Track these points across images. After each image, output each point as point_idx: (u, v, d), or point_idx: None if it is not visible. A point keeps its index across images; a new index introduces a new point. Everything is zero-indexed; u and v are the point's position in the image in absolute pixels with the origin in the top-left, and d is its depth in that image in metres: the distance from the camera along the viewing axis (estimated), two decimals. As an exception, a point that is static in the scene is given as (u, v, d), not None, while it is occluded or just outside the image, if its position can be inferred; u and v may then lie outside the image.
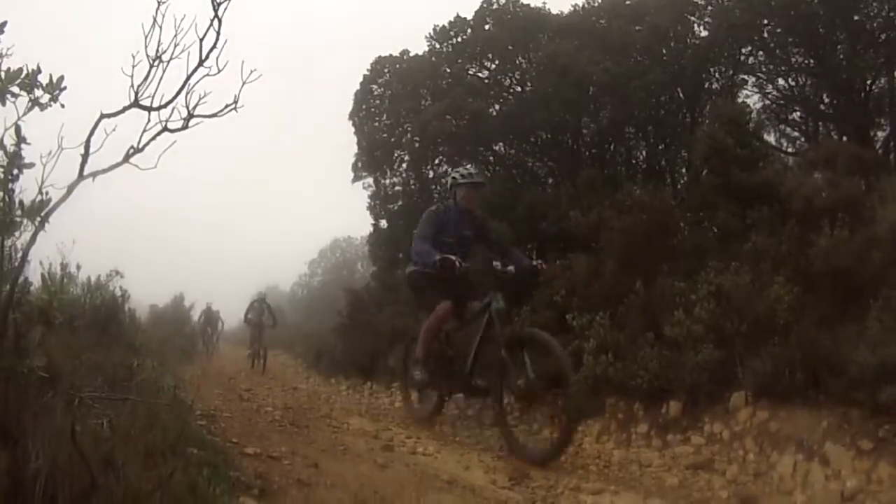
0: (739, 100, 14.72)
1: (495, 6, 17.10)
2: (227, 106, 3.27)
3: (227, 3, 3.11)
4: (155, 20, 3.03)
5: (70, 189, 3.04)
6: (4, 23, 3.03)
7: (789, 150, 15.09)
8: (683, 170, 15.49)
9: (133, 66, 3.10)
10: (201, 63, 3.13)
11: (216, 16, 3.12)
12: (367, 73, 19.03)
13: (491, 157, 18.06)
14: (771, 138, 14.91)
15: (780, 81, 15.00)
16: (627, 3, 16.31)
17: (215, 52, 3.14)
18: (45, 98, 3.08)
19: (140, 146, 3.15)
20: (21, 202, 3.09)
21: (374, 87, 19.05)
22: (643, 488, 6.99)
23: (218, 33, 3.15)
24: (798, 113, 15.18)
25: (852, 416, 6.78)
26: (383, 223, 19.02)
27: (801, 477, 6.63)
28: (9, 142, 3.06)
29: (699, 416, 8.28)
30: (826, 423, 6.91)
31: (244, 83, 3.18)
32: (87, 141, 3.06)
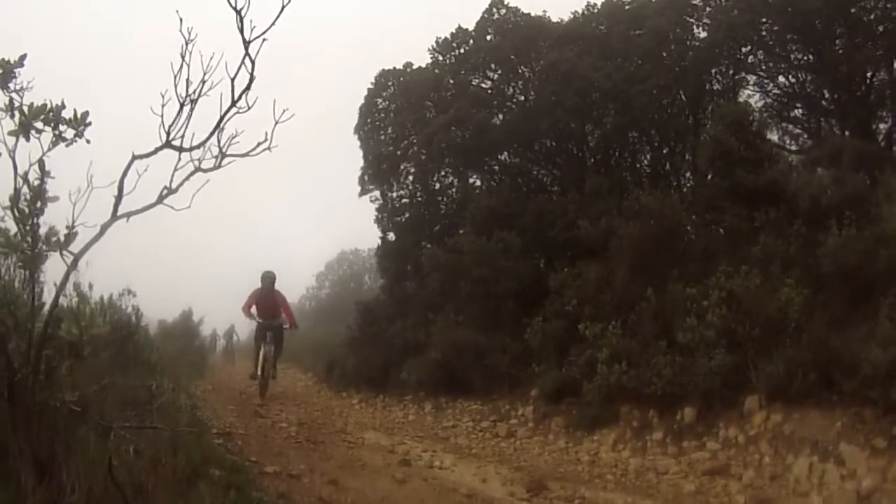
0: (741, 99, 14.71)
1: (496, 17, 17.15)
2: (259, 144, 3.24)
3: (261, 42, 3.09)
4: (183, 59, 3.05)
5: (104, 229, 3.06)
6: (24, 56, 3.07)
7: (793, 147, 15.08)
8: (688, 173, 15.49)
9: (163, 106, 3.11)
10: (234, 104, 3.11)
11: (247, 54, 3.10)
12: (371, 86, 19.08)
13: (496, 167, 18.11)
14: (774, 136, 14.90)
15: (781, 79, 15.00)
16: (626, 7, 16.32)
17: (246, 92, 3.11)
18: (70, 133, 3.11)
19: (174, 187, 3.15)
20: (46, 236, 3.13)
21: (379, 100, 19.07)
22: (661, 496, 7.04)
23: (251, 74, 3.13)
24: (800, 110, 15.17)
25: (866, 416, 6.81)
26: (391, 235, 19.03)
27: (816, 478, 6.67)
28: (33, 176, 3.09)
29: (714, 421, 8.32)
30: (840, 423, 6.95)
31: (277, 122, 3.14)
32: (121, 182, 3.07)
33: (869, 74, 13.41)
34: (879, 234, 8.42)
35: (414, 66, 18.62)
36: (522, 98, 17.25)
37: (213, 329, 27.66)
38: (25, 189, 3.06)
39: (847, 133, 13.27)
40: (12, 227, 3.13)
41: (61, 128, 3.06)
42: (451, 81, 17.52)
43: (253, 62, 3.09)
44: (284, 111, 3.13)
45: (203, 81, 3.04)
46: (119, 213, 3.08)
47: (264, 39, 3.07)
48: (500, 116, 17.15)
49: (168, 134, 3.12)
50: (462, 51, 17.54)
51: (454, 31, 17.63)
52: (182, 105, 3.09)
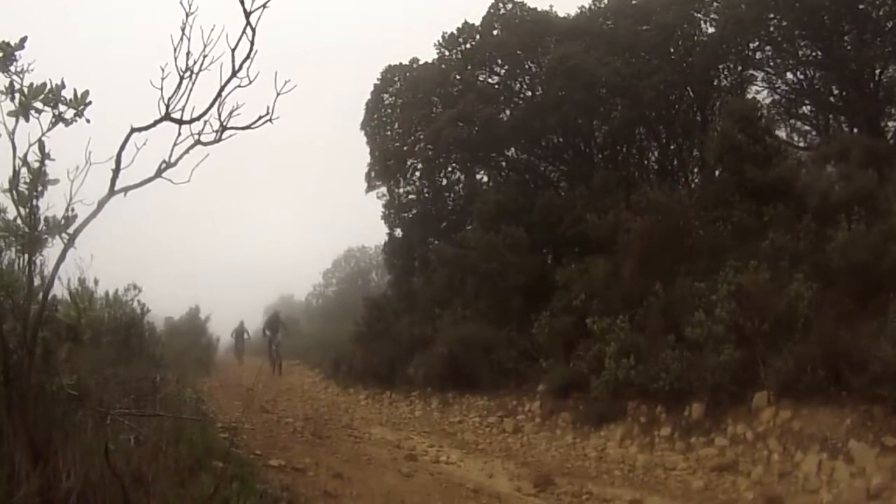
0: (749, 96, 14.65)
1: (503, 11, 17.07)
2: (260, 118, 3.17)
3: (261, 11, 3.02)
4: (183, 32, 2.98)
5: (101, 205, 3.00)
6: (24, 38, 3.02)
7: (801, 144, 15.01)
8: (696, 169, 15.43)
9: (162, 79, 3.05)
10: (235, 74, 3.04)
11: (248, 24, 3.04)
12: (377, 82, 19.01)
13: (503, 163, 18.04)
14: (782, 133, 14.83)
15: (789, 75, 14.91)
16: (633, 2, 16.24)
17: (247, 62, 3.05)
18: (70, 113, 3.05)
19: (173, 160, 3.09)
20: (47, 219, 3.08)
21: (385, 96, 19.01)
22: (668, 492, 6.99)
23: (252, 43, 3.07)
24: (808, 106, 15.09)
25: (875, 413, 6.75)
26: (398, 232, 19.01)
27: (826, 475, 6.60)
28: (32, 158, 3.05)
29: (722, 417, 8.25)
30: (849, 420, 6.88)
31: (278, 94, 3.06)
32: (118, 156, 3.00)
33: (877, 71, 13.33)
34: (888, 230, 8.38)
35: (420, 62, 18.56)
36: (529, 93, 17.19)
37: (240, 321, 26.75)
38: (24, 171, 3.01)
39: (855, 130, 13.22)
40: (11, 212, 3.09)
41: (61, 108, 3.00)
42: (458, 77, 17.44)
43: (254, 31, 3.03)
44: (287, 82, 3.06)
45: (203, 56, 2.98)
46: (117, 187, 3.02)
47: (265, 7, 3.01)
48: (507, 112, 17.09)
49: (167, 107, 3.05)
50: (468, 46, 17.46)
51: (460, 26, 17.54)
52: (182, 78, 3.03)
